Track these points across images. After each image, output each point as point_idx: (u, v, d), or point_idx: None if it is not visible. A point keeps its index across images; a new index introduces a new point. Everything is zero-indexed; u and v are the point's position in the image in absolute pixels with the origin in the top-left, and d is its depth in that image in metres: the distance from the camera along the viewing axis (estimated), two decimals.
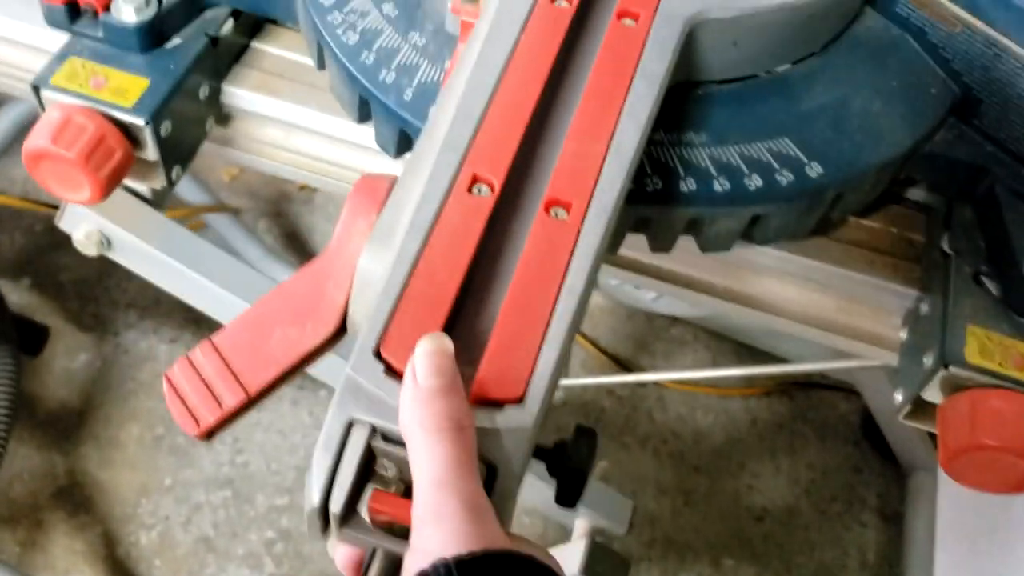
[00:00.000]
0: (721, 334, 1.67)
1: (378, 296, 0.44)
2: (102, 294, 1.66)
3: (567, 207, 0.49)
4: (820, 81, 0.62)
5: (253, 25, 0.73)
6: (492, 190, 0.49)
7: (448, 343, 0.42)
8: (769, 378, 1.63)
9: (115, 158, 0.63)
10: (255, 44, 0.73)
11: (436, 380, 0.41)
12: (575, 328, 0.45)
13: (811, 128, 0.60)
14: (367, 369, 0.42)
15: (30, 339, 1.54)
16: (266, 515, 1.48)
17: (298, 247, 1.75)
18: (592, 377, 1.64)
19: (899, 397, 0.62)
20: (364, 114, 0.63)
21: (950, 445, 0.57)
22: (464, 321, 0.45)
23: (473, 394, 0.42)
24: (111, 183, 0.63)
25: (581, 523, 1.19)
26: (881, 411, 1.44)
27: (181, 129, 0.67)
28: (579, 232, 0.48)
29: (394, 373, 0.42)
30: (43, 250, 1.68)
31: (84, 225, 0.77)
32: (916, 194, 0.70)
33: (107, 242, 0.77)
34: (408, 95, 0.59)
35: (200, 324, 1.58)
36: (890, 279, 0.66)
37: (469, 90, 0.52)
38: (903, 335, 0.66)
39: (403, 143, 0.62)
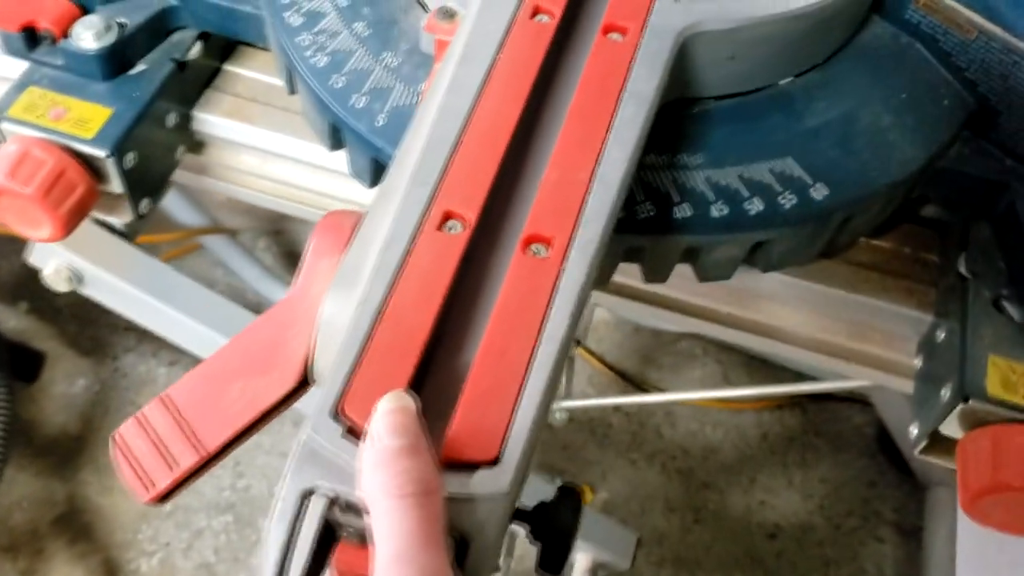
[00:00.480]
0: (730, 346, 1.64)
1: (340, 348, 0.41)
2: (100, 317, 1.64)
3: (547, 243, 0.45)
4: (825, 95, 0.58)
5: (224, 47, 0.69)
6: (466, 227, 0.45)
7: (411, 401, 0.39)
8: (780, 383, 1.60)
9: (76, 193, 0.59)
10: (227, 67, 0.69)
11: (398, 440, 0.37)
12: (556, 379, 0.41)
13: (816, 146, 0.56)
14: (325, 431, 0.38)
15: (25, 365, 1.52)
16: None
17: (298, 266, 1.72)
18: (598, 394, 1.62)
19: (915, 431, 0.58)
20: (336, 141, 0.59)
21: (971, 485, 0.53)
22: (435, 374, 0.41)
23: (443, 455, 0.38)
24: (73, 219, 0.59)
25: (583, 557, 1.16)
26: (895, 424, 1.40)
27: (148, 159, 0.63)
28: (560, 271, 0.44)
29: (357, 435, 0.38)
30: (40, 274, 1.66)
31: (53, 260, 0.74)
32: (930, 210, 0.66)
33: (78, 277, 0.74)
34: (380, 121, 0.55)
35: None
36: (903, 304, 0.63)
37: (441, 116, 0.48)
38: (918, 363, 0.62)
39: (378, 172, 0.58)
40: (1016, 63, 0.56)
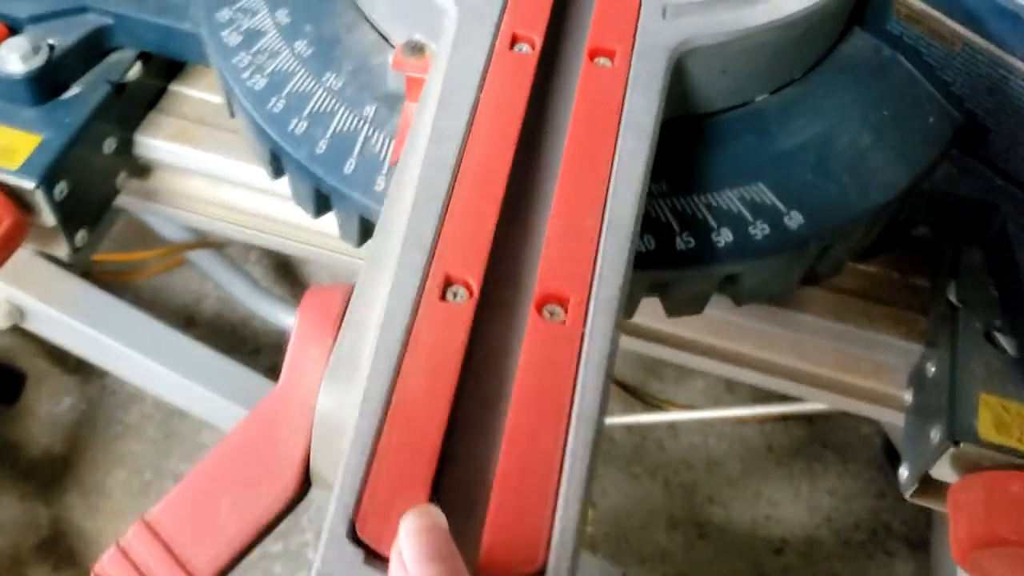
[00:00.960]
0: None
1: (345, 454, 0.35)
2: None
3: (563, 303, 0.39)
4: (801, 112, 0.54)
5: (171, 66, 0.66)
6: (470, 292, 0.39)
7: (439, 516, 0.33)
8: (785, 402, 1.56)
9: (1, 228, 0.55)
10: (173, 87, 0.66)
11: (432, 566, 0.31)
12: (595, 463, 0.36)
13: (790, 170, 0.51)
14: (343, 560, 0.33)
15: (4, 386, 1.48)
16: (258, 562, 1.41)
17: (291, 279, 1.68)
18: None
19: (904, 473, 0.54)
20: (277, 168, 0.55)
21: (963, 537, 0.49)
22: (455, 469, 0.36)
23: (480, 571, 0.33)
24: None
25: None
26: (899, 436, 1.36)
27: (84, 189, 0.59)
28: (582, 335, 0.38)
29: (379, 558, 0.33)
30: None
31: None
32: (921, 231, 0.62)
33: (19, 312, 0.70)
34: (321, 147, 0.51)
35: None
36: (892, 333, 0.58)
37: (428, 169, 0.43)
38: (908, 397, 0.58)
39: (320, 201, 0.54)
40: (1004, 77, 0.52)
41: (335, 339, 0.40)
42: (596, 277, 0.40)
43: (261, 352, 1.60)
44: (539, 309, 0.39)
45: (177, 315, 1.64)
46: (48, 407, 1.54)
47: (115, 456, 1.50)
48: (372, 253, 0.42)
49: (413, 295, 0.39)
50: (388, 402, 0.36)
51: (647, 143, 0.45)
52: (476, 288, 0.40)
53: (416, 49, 0.51)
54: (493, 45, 0.48)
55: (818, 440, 1.56)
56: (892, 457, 1.51)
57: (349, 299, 0.41)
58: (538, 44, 0.48)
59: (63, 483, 1.47)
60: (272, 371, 1.56)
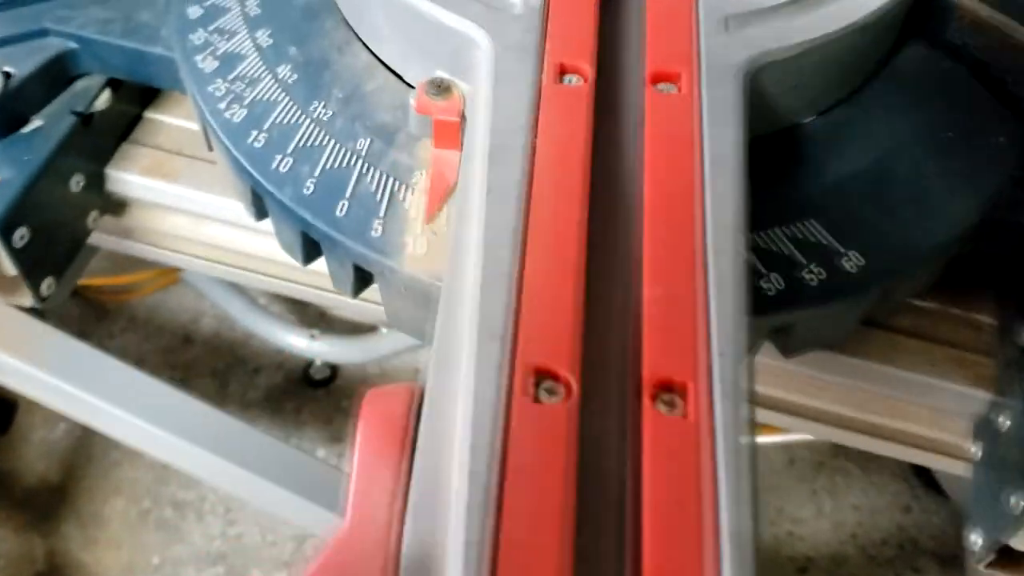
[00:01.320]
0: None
1: None
2: None
3: (678, 389, 0.32)
4: (854, 137, 0.48)
5: (144, 91, 0.60)
6: (566, 386, 0.32)
7: None
8: None
9: None
10: (148, 114, 0.60)
11: None
12: None
13: (846, 204, 0.45)
14: None
15: None
16: None
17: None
18: None
19: (976, 540, 0.48)
20: (260, 209, 0.49)
21: None
22: None
23: None
24: None
25: None
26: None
27: (49, 232, 0.54)
28: (712, 431, 0.31)
29: None
30: None
31: None
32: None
33: None
34: (309, 187, 0.45)
35: (188, 387, 1.47)
36: (952, 379, 0.52)
37: (490, 235, 0.36)
38: (975, 451, 0.51)
39: (309, 248, 0.48)
40: None
41: (407, 458, 0.33)
42: (712, 357, 0.33)
43: (261, 372, 1.55)
44: (651, 398, 0.32)
45: (174, 334, 1.60)
46: (42, 433, 1.50)
47: (112, 484, 1.45)
48: (438, 348, 0.35)
49: (499, 398, 0.32)
50: (494, 543, 0.29)
51: (737, 181, 0.38)
52: (572, 380, 0.32)
53: (442, 88, 0.44)
54: (539, 80, 0.41)
55: (841, 452, 1.52)
56: (918, 469, 1.46)
57: (415, 403, 0.34)
58: (590, 74, 0.41)
59: (59, 513, 1.43)
60: (272, 392, 1.51)
